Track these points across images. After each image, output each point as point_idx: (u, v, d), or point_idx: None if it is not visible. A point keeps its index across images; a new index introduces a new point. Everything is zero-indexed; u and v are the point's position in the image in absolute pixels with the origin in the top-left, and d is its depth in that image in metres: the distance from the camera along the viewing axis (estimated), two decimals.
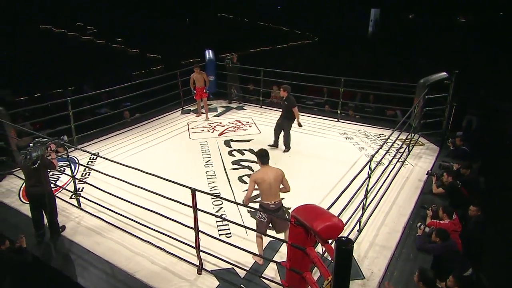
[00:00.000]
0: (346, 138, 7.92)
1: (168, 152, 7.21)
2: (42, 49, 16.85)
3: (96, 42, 20.81)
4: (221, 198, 4.24)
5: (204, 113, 8.94)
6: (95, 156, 6.93)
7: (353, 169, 6.36)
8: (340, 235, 2.67)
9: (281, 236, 4.09)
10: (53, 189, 5.35)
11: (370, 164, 4.50)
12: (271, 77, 10.87)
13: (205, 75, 8.59)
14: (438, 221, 4.97)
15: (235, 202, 4.45)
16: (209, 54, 9.68)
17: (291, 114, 6.88)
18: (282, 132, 7.18)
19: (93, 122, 7.98)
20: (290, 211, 5.18)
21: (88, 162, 6.75)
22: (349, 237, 4.46)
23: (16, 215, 5.06)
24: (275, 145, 7.29)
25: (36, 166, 4.25)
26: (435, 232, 4.62)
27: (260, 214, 4.09)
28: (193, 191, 3.75)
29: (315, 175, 6.26)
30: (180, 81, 9.16)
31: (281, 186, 4.13)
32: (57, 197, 5.32)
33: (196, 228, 3.93)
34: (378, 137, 7.90)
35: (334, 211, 4.01)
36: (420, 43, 19.78)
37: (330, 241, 2.82)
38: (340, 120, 8.78)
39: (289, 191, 4.21)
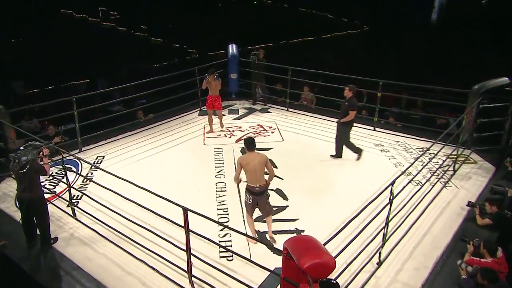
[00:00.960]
0: (382, 150, 7.82)
1: (179, 158, 7.47)
2: (60, 37, 17.78)
3: (118, 29, 21.69)
4: (222, 224, 4.33)
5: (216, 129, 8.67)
6: (99, 160, 7.34)
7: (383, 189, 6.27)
8: (330, 276, 2.71)
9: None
10: (47, 196, 5.76)
11: (392, 189, 4.44)
12: (302, 76, 10.89)
13: (219, 82, 8.23)
14: (478, 259, 4.79)
15: (242, 233, 4.40)
16: (232, 48, 9.87)
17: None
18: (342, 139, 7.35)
19: (104, 121, 8.41)
20: (303, 234, 5.25)
21: (92, 166, 7.12)
22: (363, 270, 4.48)
23: (9, 222, 5.47)
24: (337, 155, 7.43)
25: (24, 170, 4.56)
26: (480, 273, 4.44)
27: (247, 196, 5.09)
28: (185, 210, 3.90)
29: (337, 193, 6.25)
30: (198, 78, 9.42)
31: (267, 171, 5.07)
32: (54, 205, 5.72)
33: (188, 251, 4.09)
34: (420, 151, 7.72)
35: (343, 241, 4.05)
36: (493, 36, 18.85)
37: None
38: (376, 129, 8.66)
39: (273, 174, 5.15)
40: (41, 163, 4.80)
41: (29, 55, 15.17)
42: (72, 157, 7.26)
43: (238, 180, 5.15)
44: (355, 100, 7.11)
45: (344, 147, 7.39)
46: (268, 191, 5.20)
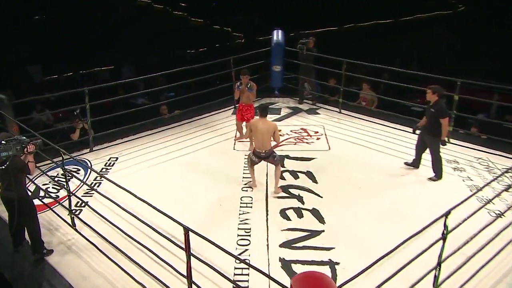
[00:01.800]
0: (455, 169, 7.57)
1: (202, 164, 7.71)
2: (89, 15, 18.64)
3: (154, 6, 22.48)
4: (236, 257, 4.22)
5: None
6: (111, 162, 7.73)
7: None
8: None
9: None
10: (47, 201, 6.19)
11: (446, 220, 4.32)
12: (363, 71, 10.76)
13: (253, 93, 8.08)
14: None
15: (264, 273, 4.19)
16: (277, 35, 9.99)
17: (439, 128, 6.94)
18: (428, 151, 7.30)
19: (122, 117, 8.86)
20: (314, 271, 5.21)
21: (102, 168, 7.55)
22: None
23: (2, 228, 5.90)
24: (413, 164, 7.45)
25: (3, 167, 4.92)
26: None
27: (253, 156, 6.70)
28: (186, 230, 4.04)
29: (387, 219, 6.13)
30: (233, 70, 9.61)
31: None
32: (53, 211, 6.11)
33: (189, 278, 4.23)
34: (508, 172, 7.37)
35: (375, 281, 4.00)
36: None
37: None
38: (451, 141, 8.39)
39: (278, 142, 6.93)
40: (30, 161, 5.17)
41: (51, 34, 16.03)
42: (78, 158, 7.81)
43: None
44: (444, 104, 6.97)
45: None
46: (276, 153, 6.82)
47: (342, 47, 15.87)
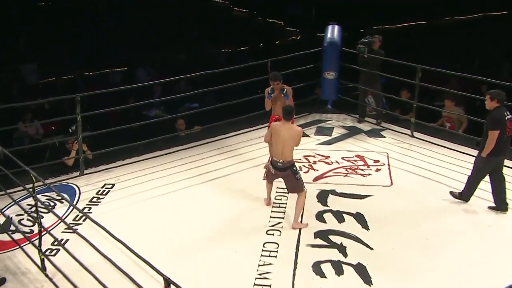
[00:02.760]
0: None
1: (221, 198, 7.80)
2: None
3: None
4: None
5: None
6: (105, 190, 7.96)
7: None
8: None
9: (294, 196, 7.03)
10: (17, 237, 6.46)
11: None
12: (450, 82, 10.56)
13: (290, 100, 7.94)
14: None
15: None
16: (331, 32, 10.01)
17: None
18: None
19: (129, 132, 9.12)
20: None
21: (93, 198, 7.79)
22: None
23: None
24: (498, 207, 7.39)
25: None
26: None
27: (271, 166, 7.04)
28: (168, 283, 4.10)
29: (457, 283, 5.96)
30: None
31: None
32: (23, 250, 6.33)
33: None
34: None
35: None
36: None
37: None
38: None
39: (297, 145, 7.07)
40: None
41: (54, 26, 16.70)
42: (65, 183, 8.12)
43: (265, 140, 7.37)
44: (501, 114, 6.91)
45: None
46: (296, 166, 6.98)
47: (435, 49, 15.68)
